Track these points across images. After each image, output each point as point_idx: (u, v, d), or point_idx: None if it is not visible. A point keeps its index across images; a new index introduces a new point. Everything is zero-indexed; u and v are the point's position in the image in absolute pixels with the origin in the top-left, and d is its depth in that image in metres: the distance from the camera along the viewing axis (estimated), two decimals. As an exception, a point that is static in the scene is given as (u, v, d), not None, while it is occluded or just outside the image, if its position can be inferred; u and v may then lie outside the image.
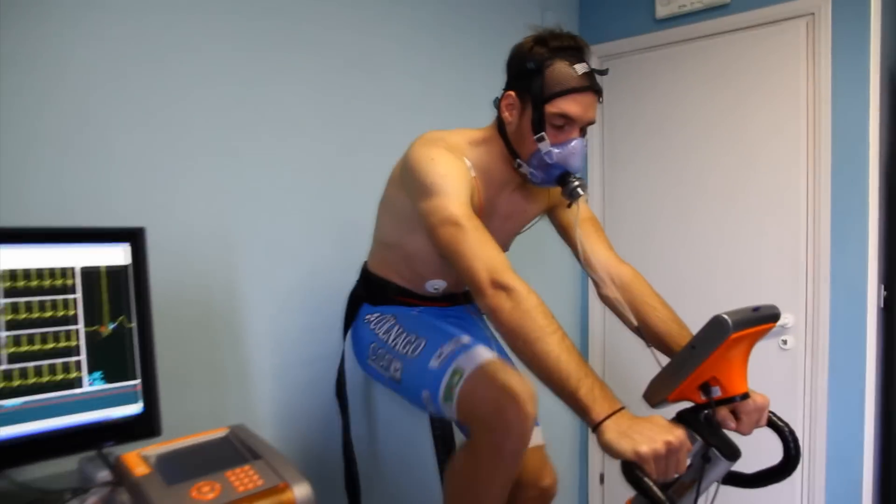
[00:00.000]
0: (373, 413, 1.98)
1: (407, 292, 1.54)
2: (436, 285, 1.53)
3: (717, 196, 2.48)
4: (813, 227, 2.26)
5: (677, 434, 0.99)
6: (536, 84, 1.28)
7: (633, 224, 2.71)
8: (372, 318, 1.54)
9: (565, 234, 1.54)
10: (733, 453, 1.08)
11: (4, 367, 0.95)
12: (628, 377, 2.58)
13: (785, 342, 2.34)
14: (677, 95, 2.54)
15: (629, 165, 2.70)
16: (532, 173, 1.35)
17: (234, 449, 1.03)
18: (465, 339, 1.36)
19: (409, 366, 1.39)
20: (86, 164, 1.41)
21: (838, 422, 2.25)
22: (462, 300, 1.63)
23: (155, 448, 1.01)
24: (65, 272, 1.02)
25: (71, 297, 1.02)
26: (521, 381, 1.22)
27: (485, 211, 1.43)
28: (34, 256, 0.99)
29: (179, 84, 1.58)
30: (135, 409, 1.07)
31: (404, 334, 1.44)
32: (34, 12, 1.33)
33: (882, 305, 2.24)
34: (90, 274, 1.05)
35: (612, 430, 0.99)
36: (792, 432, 1.22)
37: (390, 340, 1.46)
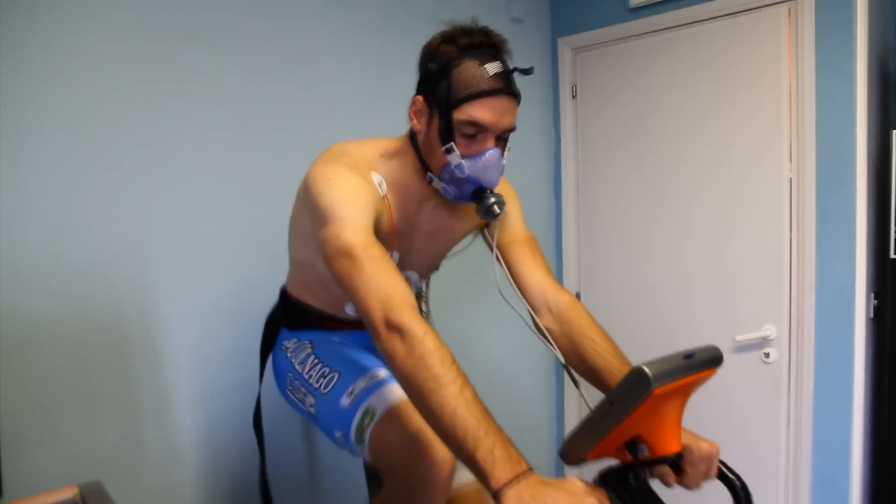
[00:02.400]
0: (301, 442, 1.85)
1: (328, 316, 1.41)
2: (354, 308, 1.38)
3: (695, 196, 2.31)
4: (797, 230, 2.10)
5: (588, 502, 0.84)
6: (442, 87, 1.12)
7: (608, 225, 2.55)
8: (289, 346, 1.41)
9: (499, 254, 1.38)
10: (659, 518, 0.93)
11: None
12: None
13: (767, 355, 2.18)
14: (653, 88, 2.37)
15: (604, 162, 2.54)
16: (444, 188, 1.20)
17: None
18: (382, 373, 1.23)
19: (321, 403, 1.27)
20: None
21: (825, 440, 2.10)
22: None
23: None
24: None
25: None
26: None
27: (402, 229, 1.28)
28: None
29: (80, 83, 1.44)
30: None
31: (319, 366, 1.31)
32: None
33: (872, 315, 2.07)
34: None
35: (512, 500, 0.84)
36: (744, 486, 1.07)
37: (305, 372, 1.33)
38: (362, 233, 1.08)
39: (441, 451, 1.10)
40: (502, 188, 1.37)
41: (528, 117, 2.56)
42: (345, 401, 1.21)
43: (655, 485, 1.00)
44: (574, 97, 2.59)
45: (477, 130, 1.13)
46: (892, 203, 1.93)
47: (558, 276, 2.67)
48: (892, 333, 2.01)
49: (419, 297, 1.55)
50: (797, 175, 2.08)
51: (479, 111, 1.11)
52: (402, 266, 1.36)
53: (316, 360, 1.32)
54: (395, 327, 0.98)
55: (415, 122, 1.20)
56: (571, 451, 0.95)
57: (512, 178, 2.24)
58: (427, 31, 1.25)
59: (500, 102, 1.12)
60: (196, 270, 1.64)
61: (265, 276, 1.67)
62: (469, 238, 1.43)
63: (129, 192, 1.52)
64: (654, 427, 0.91)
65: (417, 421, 1.10)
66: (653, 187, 2.41)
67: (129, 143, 1.52)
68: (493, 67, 1.11)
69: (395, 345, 0.97)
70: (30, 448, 1.34)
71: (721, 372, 2.44)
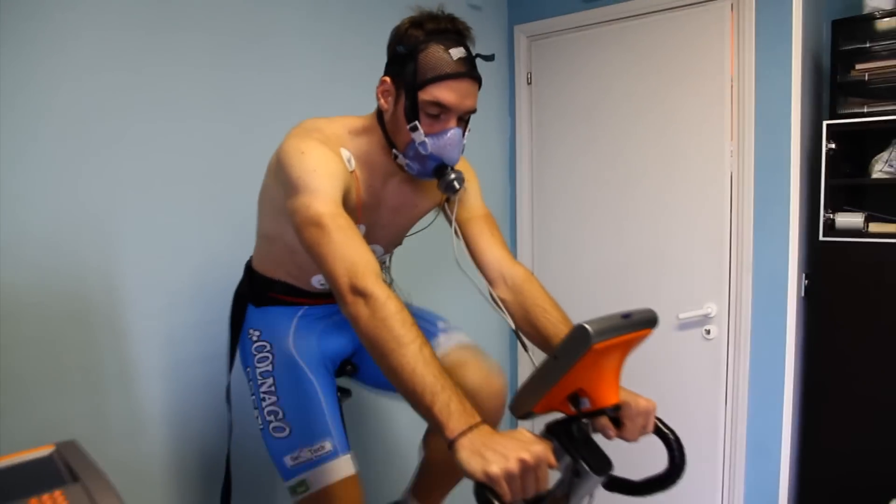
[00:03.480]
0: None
1: (293, 290, 1.46)
2: (322, 280, 1.44)
3: (642, 179, 2.43)
4: (737, 214, 2.23)
5: (534, 450, 0.92)
6: (409, 69, 1.19)
7: (560, 207, 2.66)
8: (254, 338, 1.44)
9: (459, 230, 1.46)
10: (601, 467, 1.02)
11: None
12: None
13: (708, 332, 2.32)
14: (605, 78, 2.47)
15: (557, 146, 2.64)
16: (409, 164, 1.27)
17: (54, 470, 0.94)
18: (328, 446, 1.31)
19: (267, 437, 1.36)
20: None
21: (759, 410, 2.25)
22: None
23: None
24: None
25: None
26: None
27: (369, 203, 1.34)
28: None
29: (44, 61, 1.45)
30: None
31: (274, 401, 1.37)
32: None
33: (803, 294, 2.23)
34: None
35: (466, 448, 0.92)
36: (677, 440, 1.17)
37: (261, 391, 1.39)
38: (331, 203, 1.14)
39: None
40: (462, 167, 1.45)
41: (485, 102, 2.61)
42: (288, 461, 1.31)
43: (598, 439, 1.10)
44: (529, 84, 2.67)
45: (440, 111, 1.20)
46: (821, 189, 2.08)
47: (513, 254, 2.77)
48: (820, 311, 2.18)
49: (382, 269, 1.61)
50: (737, 161, 2.21)
51: (443, 92, 1.18)
52: (368, 239, 1.41)
53: (272, 392, 1.37)
54: (359, 292, 1.04)
55: (382, 101, 1.26)
56: (520, 405, 1.03)
57: (470, 159, 2.34)
58: (387, 18, 1.31)
59: (463, 85, 1.20)
60: (160, 244, 1.66)
61: (229, 250, 1.71)
62: (431, 215, 1.50)
63: (93, 167, 1.54)
64: (595, 381, 1.00)
65: None
66: (603, 171, 2.52)
67: (94, 118, 1.53)
68: (457, 52, 1.18)
69: (360, 308, 1.04)
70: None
71: (666, 347, 2.62)
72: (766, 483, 2.24)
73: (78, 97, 1.50)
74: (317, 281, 1.45)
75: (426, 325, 1.54)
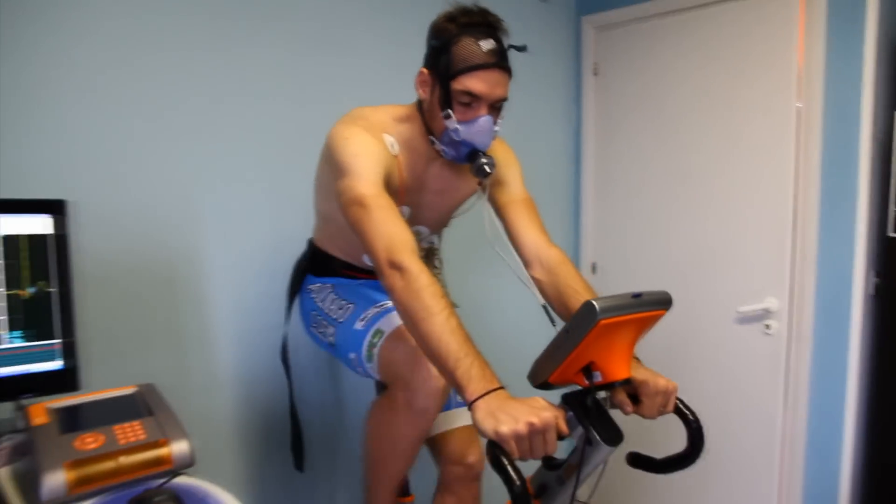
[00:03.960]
0: (323, 377, 2.07)
1: (348, 265, 1.60)
2: None
3: (706, 173, 2.41)
4: (801, 208, 2.19)
5: (543, 415, 1.00)
6: (444, 61, 1.29)
7: (624, 199, 2.68)
8: (314, 289, 1.61)
9: (499, 213, 1.55)
10: (612, 438, 1.09)
11: (-74, 323, 1.06)
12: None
13: (768, 327, 2.28)
14: (671, 69, 2.47)
15: (622, 138, 2.66)
16: (444, 150, 1.37)
17: (134, 405, 1.12)
18: (390, 303, 1.40)
19: (339, 330, 1.47)
20: (44, 136, 1.52)
21: (819, 410, 2.21)
22: None
23: (63, 401, 1.11)
24: (-15, 239, 1.12)
25: (-9, 262, 1.12)
26: None
27: (412, 186, 1.45)
28: (-45, 224, 1.09)
29: (134, 57, 1.65)
30: (55, 365, 1.17)
31: (338, 300, 1.52)
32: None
33: (873, 292, 2.15)
34: (11, 241, 1.14)
35: (481, 409, 1.01)
36: (697, 422, 1.22)
37: (326, 308, 1.53)
38: (373, 185, 1.26)
39: (431, 368, 1.27)
40: (504, 154, 1.54)
41: (550, 93, 2.69)
42: (358, 325, 1.41)
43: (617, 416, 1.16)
44: (596, 74, 2.70)
45: (471, 99, 1.29)
46: (892, 182, 2.01)
47: (575, 246, 2.81)
48: (891, 311, 2.10)
49: (432, 252, 1.72)
50: (803, 154, 2.16)
51: (474, 82, 1.28)
52: (414, 220, 1.54)
53: (335, 297, 1.53)
54: (395, 265, 1.16)
55: (420, 91, 1.37)
56: (536, 375, 1.12)
57: (534, 150, 2.46)
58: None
59: (493, 75, 1.28)
60: (237, 224, 1.85)
61: (296, 230, 1.88)
62: (474, 198, 1.59)
63: (181, 153, 1.74)
64: (605, 355, 1.07)
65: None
66: (667, 164, 2.52)
67: (181, 109, 1.73)
68: (487, 44, 1.27)
69: (395, 280, 1.15)
70: (95, 367, 1.58)
71: (725, 339, 2.60)
72: (826, 487, 2.19)
73: (168, 93, 1.70)
74: (368, 259, 1.58)
75: None
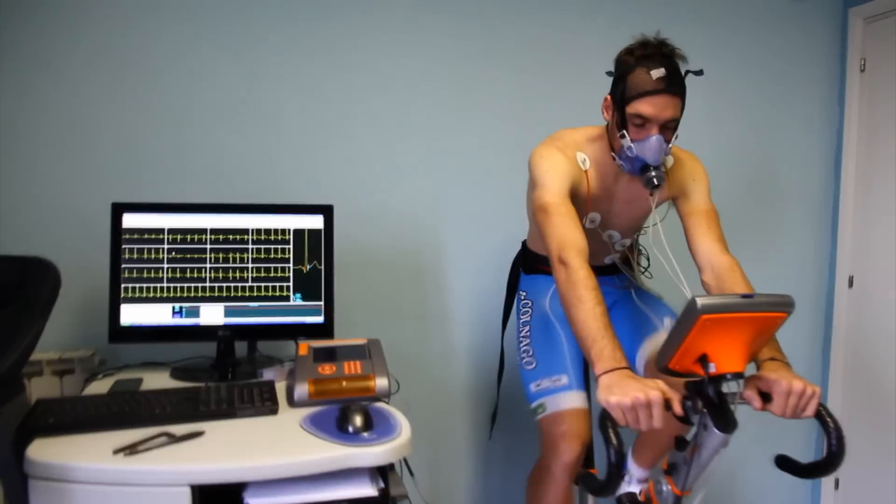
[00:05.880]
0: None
1: (546, 263, 1.87)
2: None
3: None
4: None
5: (650, 392, 1.15)
6: (620, 88, 1.49)
7: (887, 208, 2.38)
8: (522, 297, 1.91)
9: (682, 222, 1.66)
10: (723, 425, 1.17)
11: (250, 283, 1.68)
12: (872, 366, 2.36)
13: None
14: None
15: (890, 142, 2.37)
16: (623, 165, 1.56)
17: (361, 351, 1.57)
18: (564, 380, 1.69)
19: (521, 369, 1.79)
20: (344, 155, 2.12)
21: None
22: (605, 272, 1.87)
23: (320, 343, 1.62)
24: (284, 232, 1.69)
25: (286, 247, 1.70)
26: (573, 435, 1.61)
27: (600, 196, 1.66)
28: (268, 221, 1.69)
29: (407, 86, 2.16)
30: (318, 319, 1.70)
31: (528, 347, 1.81)
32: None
33: None
34: (298, 233, 1.70)
35: (604, 382, 1.21)
36: (837, 430, 1.21)
37: (520, 335, 1.85)
38: (557, 195, 1.53)
39: (563, 455, 1.60)
40: (691, 167, 1.66)
41: (807, 94, 2.54)
42: (532, 387, 1.72)
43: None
44: (862, 71, 2.45)
45: (643, 121, 1.47)
46: None
47: (831, 257, 2.59)
48: None
49: (632, 252, 1.89)
50: None
51: (643, 106, 1.45)
52: (605, 226, 1.74)
53: (528, 336, 1.82)
54: (562, 261, 1.41)
55: (605, 115, 1.58)
56: (659, 360, 1.25)
57: (783, 156, 2.49)
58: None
59: (660, 100, 1.44)
60: (473, 223, 2.26)
61: (518, 231, 2.21)
62: (665, 207, 1.73)
63: (432, 165, 2.21)
64: (718, 349, 1.16)
65: (565, 428, 1.61)
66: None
67: (435, 132, 2.21)
68: (656, 73, 1.43)
69: (560, 273, 1.41)
70: (360, 326, 2.13)
71: None
72: None
73: (422, 113, 2.19)
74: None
75: (653, 317, 1.80)
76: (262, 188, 2.00)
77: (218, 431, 1.28)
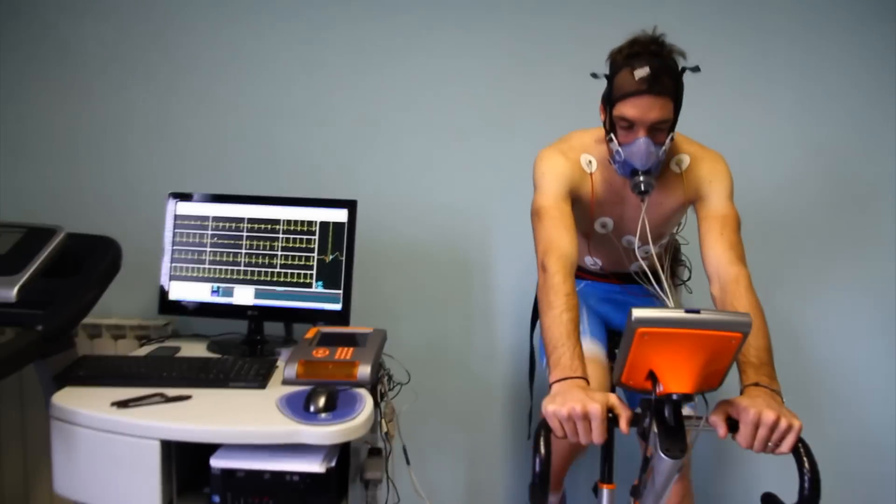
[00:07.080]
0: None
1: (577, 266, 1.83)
2: (593, 260, 1.78)
3: None
4: None
5: (589, 405, 1.10)
6: (607, 90, 1.43)
7: None
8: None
9: (697, 226, 1.54)
10: (668, 449, 1.09)
11: (278, 269, 1.83)
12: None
13: None
14: None
15: None
16: (616, 168, 1.48)
17: (360, 339, 1.65)
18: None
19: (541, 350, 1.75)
20: (399, 152, 2.22)
21: None
22: (628, 280, 1.79)
23: (331, 328, 1.72)
24: (311, 223, 1.83)
25: (312, 237, 1.83)
26: None
27: (606, 199, 1.60)
28: (297, 213, 1.84)
29: (463, 86, 2.21)
30: (336, 307, 1.81)
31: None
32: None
33: None
34: (324, 225, 1.82)
35: (553, 390, 1.19)
36: (813, 473, 1.08)
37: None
38: (551, 199, 1.50)
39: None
40: (710, 169, 1.55)
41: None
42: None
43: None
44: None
45: (629, 124, 1.40)
46: None
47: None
48: None
49: (661, 260, 1.78)
50: None
51: (627, 109, 1.38)
52: (620, 231, 1.67)
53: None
54: (542, 266, 1.40)
55: (601, 117, 1.52)
56: (614, 374, 1.19)
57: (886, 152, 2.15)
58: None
59: (644, 101, 1.36)
60: (519, 224, 2.20)
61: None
62: (682, 211, 1.61)
63: (478, 168, 2.24)
64: (663, 366, 1.08)
65: None
66: None
67: (489, 131, 2.23)
68: (639, 73, 1.34)
69: (539, 276, 1.41)
70: (400, 322, 2.22)
71: None
72: None
73: (470, 116, 2.22)
74: (589, 261, 1.78)
75: None
76: (318, 183, 2.15)
77: (205, 398, 1.43)
